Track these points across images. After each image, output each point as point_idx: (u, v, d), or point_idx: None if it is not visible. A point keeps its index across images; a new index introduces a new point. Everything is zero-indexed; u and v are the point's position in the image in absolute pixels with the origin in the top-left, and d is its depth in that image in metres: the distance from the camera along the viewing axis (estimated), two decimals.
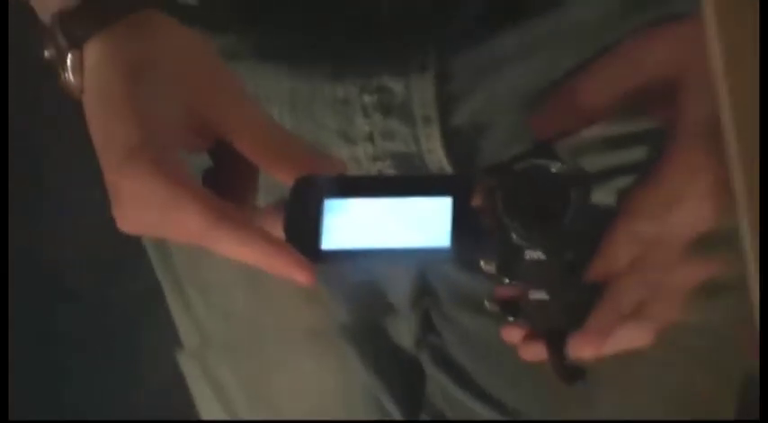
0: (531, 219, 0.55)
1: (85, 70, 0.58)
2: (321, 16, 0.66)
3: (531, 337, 0.58)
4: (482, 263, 0.56)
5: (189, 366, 0.80)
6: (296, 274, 0.53)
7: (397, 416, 0.76)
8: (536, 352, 0.58)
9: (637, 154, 0.63)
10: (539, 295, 0.57)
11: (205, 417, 0.82)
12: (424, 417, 0.76)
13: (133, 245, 0.71)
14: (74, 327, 1.42)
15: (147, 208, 0.55)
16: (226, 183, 0.58)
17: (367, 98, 0.66)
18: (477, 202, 0.55)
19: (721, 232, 0.54)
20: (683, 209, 0.56)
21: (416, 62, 0.64)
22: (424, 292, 0.73)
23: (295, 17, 0.67)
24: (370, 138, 0.67)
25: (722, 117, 0.40)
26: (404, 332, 0.75)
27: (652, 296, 0.57)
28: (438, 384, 0.73)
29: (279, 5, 0.68)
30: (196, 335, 0.79)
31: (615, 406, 0.68)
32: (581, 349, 0.57)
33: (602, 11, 0.64)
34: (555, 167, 0.55)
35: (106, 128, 0.55)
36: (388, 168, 0.67)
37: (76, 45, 0.57)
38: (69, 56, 0.57)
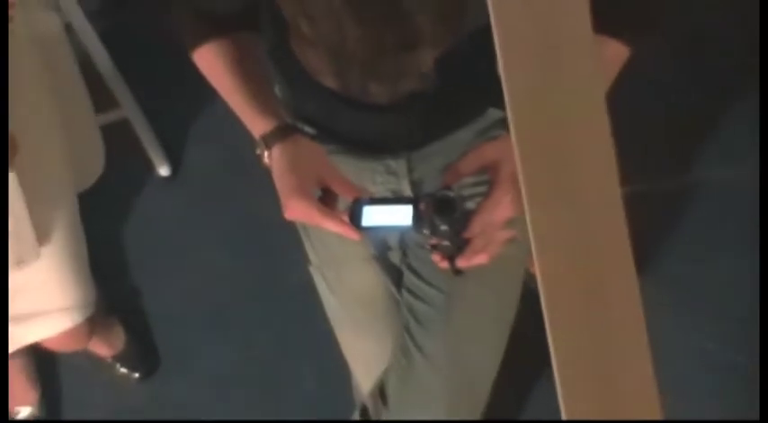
0: (442, 214, 0.86)
1: (272, 159, 0.92)
2: (365, 138, 1.03)
3: (443, 258, 0.91)
4: (424, 231, 0.88)
5: (314, 273, 1.13)
6: (352, 235, 0.87)
7: (394, 292, 1.09)
8: (445, 264, 0.92)
9: (483, 188, 0.95)
10: (446, 243, 0.90)
11: (326, 306, 1.07)
12: (404, 292, 1.07)
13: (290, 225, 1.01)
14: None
15: (296, 211, 0.89)
16: (327, 200, 0.91)
17: (379, 167, 1.06)
18: (421, 207, 0.86)
19: (519, 218, 0.75)
20: (500, 209, 0.88)
21: (401, 155, 1.06)
22: (403, 242, 1.11)
23: (355, 138, 1.03)
24: (382, 183, 1.07)
25: (519, 174, 0.50)
26: (395, 257, 1.12)
27: (489, 243, 0.90)
28: (408, 278, 1.10)
29: (345, 138, 1.02)
30: (316, 257, 1.14)
31: (476, 285, 1.03)
32: (462, 264, 0.91)
33: (470, 136, 1.06)
34: (452, 194, 0.86)
35: (281, 182, 0.90)
36: (388, 194, 1.08)
37: (269, 148, 0.93)
38: (266, 153, 0.93)
